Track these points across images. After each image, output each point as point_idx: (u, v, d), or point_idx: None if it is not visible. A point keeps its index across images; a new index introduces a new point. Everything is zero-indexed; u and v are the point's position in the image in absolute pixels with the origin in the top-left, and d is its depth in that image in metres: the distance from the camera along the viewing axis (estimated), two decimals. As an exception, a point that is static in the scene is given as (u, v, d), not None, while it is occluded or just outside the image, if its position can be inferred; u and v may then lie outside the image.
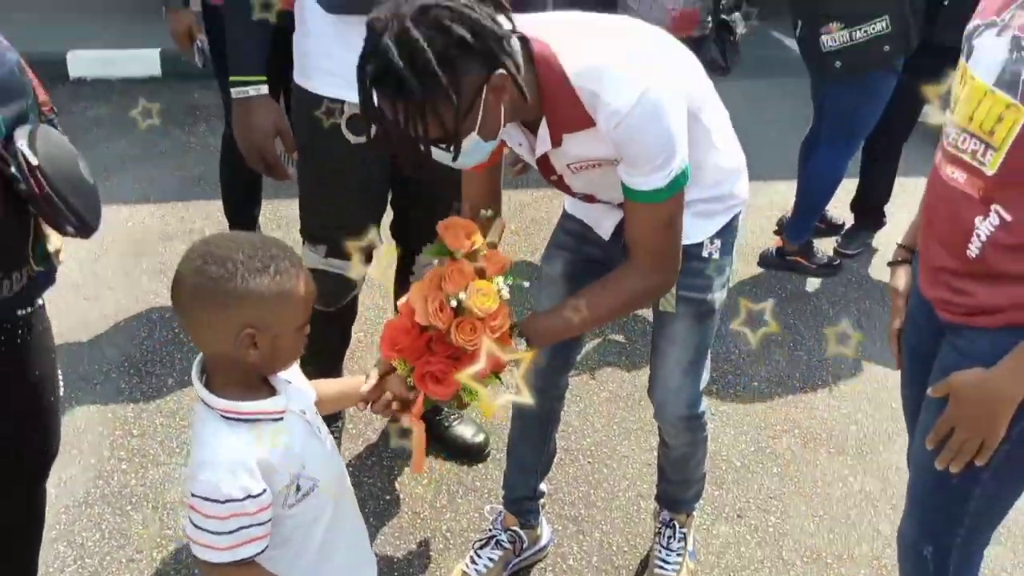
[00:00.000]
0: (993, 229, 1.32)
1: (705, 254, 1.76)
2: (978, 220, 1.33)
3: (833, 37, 3.10)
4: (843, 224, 3.95)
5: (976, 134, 1.31)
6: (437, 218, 1.61)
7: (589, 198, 1.74)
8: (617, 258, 1.85)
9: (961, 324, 1.42)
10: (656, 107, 1.40)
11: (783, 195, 4.05)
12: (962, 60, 1.36)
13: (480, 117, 1.34)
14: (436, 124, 1.31)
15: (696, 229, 1.73)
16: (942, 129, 1.42)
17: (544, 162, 1.59)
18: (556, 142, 1.49)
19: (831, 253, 3.79)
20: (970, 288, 1.38)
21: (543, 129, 1.48)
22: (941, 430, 1.40)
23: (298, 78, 2.11)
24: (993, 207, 1.32)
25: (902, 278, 1.62)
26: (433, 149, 1.37)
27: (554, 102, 1.44)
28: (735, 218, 1.80)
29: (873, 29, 3.05)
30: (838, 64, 3.13)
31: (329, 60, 1.99)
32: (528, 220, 3.97)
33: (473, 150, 1.40)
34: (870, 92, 3.26)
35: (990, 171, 1.30)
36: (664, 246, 1.55)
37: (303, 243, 2.26)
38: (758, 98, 5.02)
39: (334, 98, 2.02)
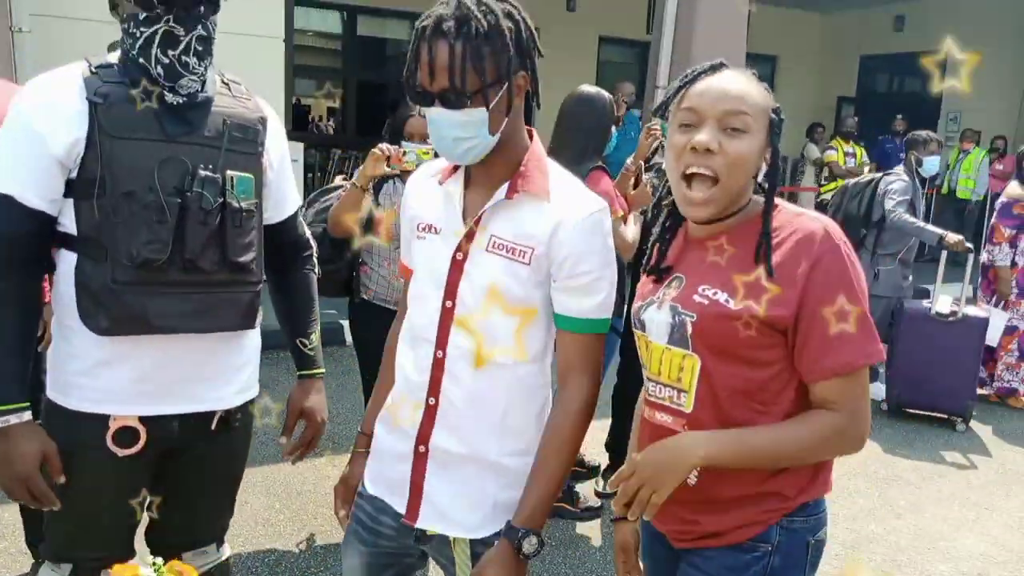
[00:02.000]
0: None
1: None
2: None
3: None
4: (599, 465, 4.17)
5: (668, 384, 1.61)
6: (200, 522, 1.50)
7: (443, 336, 1.66)
8: (412, 554, 1.79)
9: (695, 548, 1.63)
10: (608, 229, 1.63)
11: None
12: (637, 332, 1.67)
13: (497, 99, 1.55)
14: (475, 70, 1.50)
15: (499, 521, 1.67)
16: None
17: (469, 233, 1.65)
18: (512, 191, 1.62)
19: (593, 495, 3.97)
20: (696, 517, 1.60)
21: (504, 186, 1.63)
22: (623, 474, 1.50)
23: (53, 393, 1.95)
24: None
25: (628, 535, 1.78)
26: (430, 112, 1.55)
27: (527, 169, 1.63)
28: None
29: None
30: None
31: (95, 379, 1.89)
32: (294, 493, 3.88)
33: (472, 123, 1.54)
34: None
35: (688, 409, 1.57)
36: (594, 356, 1.70)
37: (43, 562, 2.06)
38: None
39: (99, 414, 1.91)
